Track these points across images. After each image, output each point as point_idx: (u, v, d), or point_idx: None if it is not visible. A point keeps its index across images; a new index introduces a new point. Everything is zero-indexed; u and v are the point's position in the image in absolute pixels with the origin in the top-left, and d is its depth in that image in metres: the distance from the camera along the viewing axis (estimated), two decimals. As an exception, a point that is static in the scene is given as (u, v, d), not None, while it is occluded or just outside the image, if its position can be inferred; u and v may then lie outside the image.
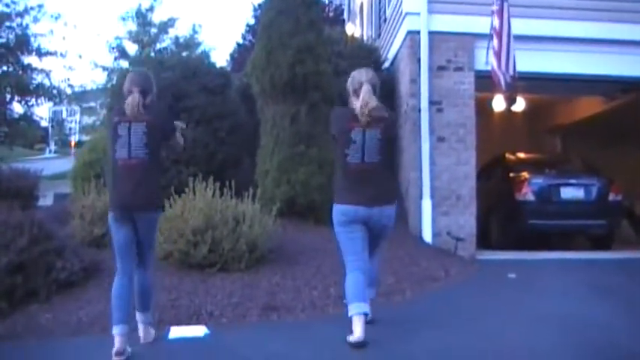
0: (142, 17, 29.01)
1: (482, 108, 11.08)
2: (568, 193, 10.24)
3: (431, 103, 9.32)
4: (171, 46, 28.37)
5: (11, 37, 19.09)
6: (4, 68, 19.26)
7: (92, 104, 28.79)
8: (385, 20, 12.51)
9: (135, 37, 28.68)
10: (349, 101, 4.98)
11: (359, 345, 4.57)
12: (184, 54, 22.24)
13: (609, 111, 12.85)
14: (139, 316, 4.94)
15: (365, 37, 14.81)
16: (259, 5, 20.81)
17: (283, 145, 8.75)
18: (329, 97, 8.94)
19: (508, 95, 13.06)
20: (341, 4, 23.57)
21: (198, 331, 5.34)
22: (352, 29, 17.54)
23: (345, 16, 22.21)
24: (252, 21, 24.29)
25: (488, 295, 6.83)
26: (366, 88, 4.79)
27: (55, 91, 20.05)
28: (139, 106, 4.72)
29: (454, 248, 8.84)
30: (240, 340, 5.18)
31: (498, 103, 13.86)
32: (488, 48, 8.78)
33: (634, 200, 12.36)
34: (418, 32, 9.41)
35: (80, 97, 23.42)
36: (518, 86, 10.35)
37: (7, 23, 18.96)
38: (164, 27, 29.32)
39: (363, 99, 4.76)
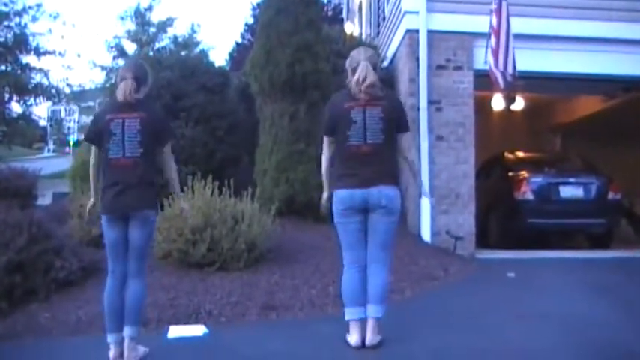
0: (140, 16, 29.07)
1: (482, 107, 11.08)
2: (567, 192, 10.24)
3: (430, 102, 9.32)
4: (169, 46, 28.43)
5: (10, 36, 19.13)
6: (3, 67, 19.30)
7: (91, 103, 28.86)
8: (384, 19, 12.50)
9: (133, 37, 28.74)
10: (347, 82, 4.80)
11: (358, 348, 4.58)
12: (183, 53, 22.24)
13: (609, 110, 12.85)
14: (125, 329, 4.51)
15: (364, 36, 14.78)
16: (258, 4, 20.80)
17: (282, 144, 8.75)
18: (328, 96, 8.88)
19: (507, 94, 13.08)
20: (340, 3, 23.59)
21: (197, 330, 5.33)
22: (351, 28, 17.53)
23: (344, 14, 22.20)
24: (250, 20, 24.31)
25: (487, 293, 6.82)
26: (363, 65, 4.64)
27: (53, 91, 20.10)
28: (131, 92, 4.51)
29: (453, 247, 8.84)
30: (239, 339, 5.18)
31: (497, 102, 13.87)
32: (486, 47, 8.78)
33: (633, 199, 12.37)
34: (417, 31, 9.41)
35: (79, 96, 23.47)
36: (517, 85, 10.36)
37: (6, 22, 19.00)
38: (163, 26, 29.39)
39: (359, 74, 4.61)
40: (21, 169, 10.19)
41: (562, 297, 6.58)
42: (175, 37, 29.47)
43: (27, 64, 19.44)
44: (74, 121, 40.29)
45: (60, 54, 19.96)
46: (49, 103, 22.17)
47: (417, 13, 9.41)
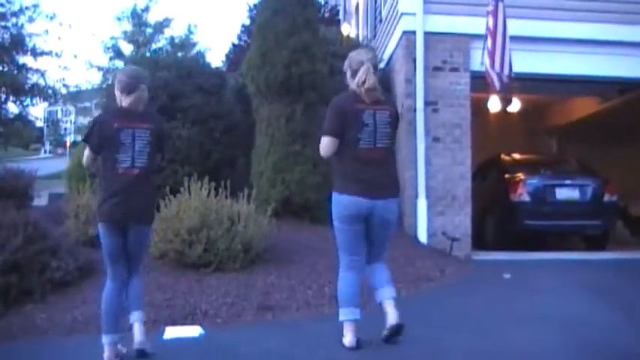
0: (137, 17, 29.02)
1: (478, 108, 11.10)
2: (563, 193, 10.26)
3: (426, 103, 9.33)
4: (166, 47, 28.38)
5: (6, 36, 19.07)
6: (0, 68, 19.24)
7: (87, 104, 28.82)
8: (381, 21, 12.52)
9: (130, 37, 28.70)
10: (348, 84, 4.77)
11: (353, 349, 4.59)
12: (180, 54, 22.21)
13: (605, 112, 12.88)
14: (136, 315, 4.64)
15: (360, 38, 14.80)
16: (255, 5, 20.78)
17: (278, 145, 8.75)
18: (324, 97, 8.93)
19: (503, 96, 13.08)
20: (337, 5, 23.58)
21: (193, 331, 5.33)
22: (348, 29, 17.53)
23: (341, 16, 22.22)
24: (247, 21, 24.26)
25: (483, 295, 6.83)
26: (365, 67, 4.59)
27: (50, 91, 20.03)
28: (146, 105, 4.62)
29: (449, 248, 8.85)
30: (235, 340, 5.17)
31: (494, 104, 13.88)
32: (483, 48, 8.80)
33: (629, 201, 12.39)
34: (414, 32, 9.43)
35: (75, 97, 23.40)
36: (513, 87, 10.38)
37: (2, 23, 18.95)
38: (159, 27, 29.34)
39: (360, 77, 4.58)
40: (17, 170, 10.16)
41: (558, 298, 6.59)
42: (172, 38, 29.42)
43: (23, 65, 19.38)
44: (71, 122, 40.22)
45: (56, 55, 19.89)
46: (46, 103, 22.12)
47: (414, 14, 9.42)
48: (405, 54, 9.57)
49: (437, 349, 4.80)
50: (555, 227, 10.41)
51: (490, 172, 11.57)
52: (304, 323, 5.64)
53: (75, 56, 45.10)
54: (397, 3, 10.01)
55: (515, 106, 14.39)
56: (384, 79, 10.48)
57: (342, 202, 4.63)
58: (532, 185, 10.27)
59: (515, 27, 8.77)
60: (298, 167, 8.66)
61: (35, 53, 19.38)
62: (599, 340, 5.00)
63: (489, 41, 8.59)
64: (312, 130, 8.60)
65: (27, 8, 19.38)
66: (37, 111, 31.46)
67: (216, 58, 51.09)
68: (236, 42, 25.28)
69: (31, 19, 19.44)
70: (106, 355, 4.52)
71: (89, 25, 75.96)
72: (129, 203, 4.49)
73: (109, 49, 28.56)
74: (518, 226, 10.19)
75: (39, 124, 26.79)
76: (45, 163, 25.89)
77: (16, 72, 19.26)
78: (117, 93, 4.67)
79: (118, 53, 28.29)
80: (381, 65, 11.17)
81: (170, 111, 9.08)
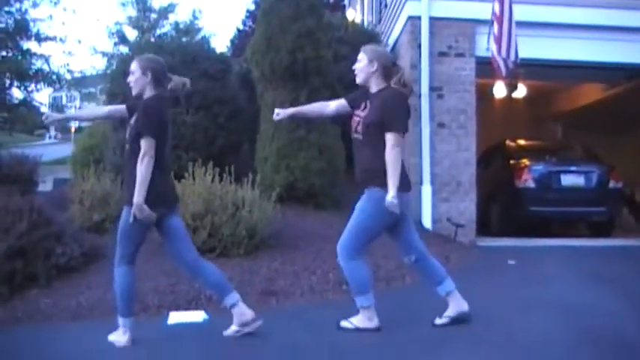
0: (141, 3, 28.99)
1: (483, 94, 11.06)
2: (568, 180, 10.24)
3: (431, 89, 9.30)
4: (171, 32, 28.34)
5: (10, 22, 19.01)
6: (3, 53, 19.20)
7: (92, 90, 28.76)
8: (386, 6, 12.46)
9: (135, 23, 28.67)
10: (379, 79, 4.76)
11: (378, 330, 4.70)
12: (184, 40, 22.15)
13: (611, 98, 12.82)
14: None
15: (365, 23, 14.75)
16: (260, -9, 20.71)
17: (283, 131, 8.73)
18: (329, 83, 8.93)
19: (509, 82, 13.04)
20: (342, -10, 23.49)
21: (197, 316, 5.33)
22: (353, 15, 17.46)
23: (346, 1, 22.13)
24: (252, 7, 24.26)
25: (487, 281, 6.82)
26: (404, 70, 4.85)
27: (54, 77, 19.98)
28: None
29: (454, 234, 8.85)
30: (239, 326, 5.17)
31: (499, 90, 13.83)
32: (489, 34, 8.75)
33: (634, 188, 12.37)
34: (419, 18, 9.37)
35: (80, 82, 23.34)
36: (519, 73, 10.33)
37: (6, 8, 18.88)
38: (164, 12, 29.31)
39: (406, 79, 4.80)
40: (22, 155, 10.18)
41: (563, 285, 6.58)
42: (177, 24, 29.39)
43: (27, 50, 19.32)
44: (75, 108, 40.19)
45: (61, 40, 19.84)
46: (50, 89, 22.08)
47: (419, -1, 9.38)
48: (410, 39, 9.52)
49: (438, 336, 4.79)
50: (560, 214, 10.41)
51: (495, 159, 11.55)
52: (308, 309, 5.64)
53: (79, 42, 45.06)
54: (402, -12, 9.97)
55: (521, 92, 14.32)
56: (389, 64, 10.44)
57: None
58: (537, 172, 10.25)
59: (521, 12, 8.73)
60: (303, 153, 8.64)
61: (39, 38, 19.33)
62: (602, 328, 4.99)
63: (495, 27, 8.55)
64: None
65: (31, -7, 19.31)
66: (42, 97, 31.47)
67: (220, 44, 50.93)
68: (241, 27, 25.31)
69: (34, 4, 19.38)
70: (126, 338, 4.54)
71: (93, 11, 75.64)
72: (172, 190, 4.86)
73: (113, 34, 28.58)
74: (523, 213, 10.17)
75: (43, 109, 26.73)
76: (50, 149, 25.94)
77: (20, 57, 19.21)
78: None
79: (122, 39, 28.29)
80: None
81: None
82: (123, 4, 29.35)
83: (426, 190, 9.07)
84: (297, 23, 8.80)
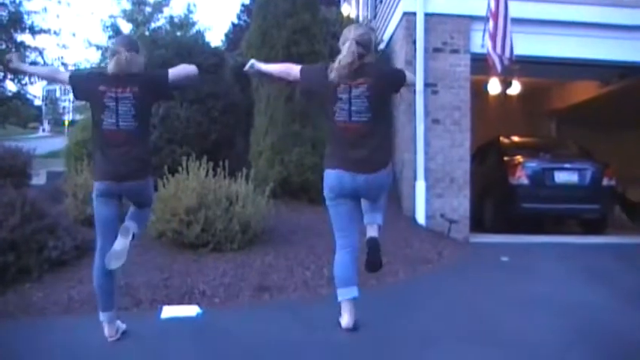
0: (136, -4, 28.83)
1: (478, 91, 11.08)
2: (562, 177, 10.26)
3: (426, 85, 9.30)
4: (165, 26, 28.23)
5: (4, 14, 18.97)
6: (-3, 46, 19.16)
7: (86, 83, 28.73)
8: (381, 1, 12.45)
9: (129, 16, 28.52)
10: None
11: (349, 330, 4.58)
12: (179, 33, 22.12)
13: (605, 96, 12.85)
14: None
15: (361, 18, 14.73)
16: (255, -15, 20.67)
17: (277, 125, 8.72)
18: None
19: (504, 78, 13.06)
20: (337, -15, 23.44)
21: (191, 310, 5.33)
22: (348, 10, 17.46)
23: (341, -3, 22.10)
24: (247, 1, 24.24)
25: (480, 277, 6.85)
26: (347, 45, 4.54)
27: (48, 70, 19.93)
28: (127, 62, 4.39)
29: (447, 230, 8.86)
30: (232, 320, 5.18)
31: (494, 86, 13.85)
32: (484, 30, 8.75)
33: (627, 185, 12.40)
34: (414, 14, 9.37)
35: (74, 75, 23.27)
36: (514, 69, 10.34)
37: (0, 0, 18.83)
38: (159, 6, 29.15)
39: (341, 54, 4.56)
40: (15, 148, 10.13)
41: (555, 281, 6.61)
42: (171, 17, 29.26)
43: (22, 43, 19.30)
44: (69, 101, 40.13)
45: (55, 33, 19.83)
46: (44, 82, 22.07)
47: (415, -5, 9.36)
48: (405, 35, 9.52)
49: (433, 330, 4.80)
50: (553, 211, 10.42)
51: (489, 155, 11.57)
52: (302, 304, 5.64)
53: (73, 35, 45.06)
54: (398, -17, 9.96)
55: (516, 88, 14.35)
56: (384, 60, 10.45)
57: (326, 180, 4.65)
58: (531, 168, 10.27)
59: (516, 9, 8.73)
60: (297, 148, 8.63)
61: (34, 31, 19.31)
62: (594, 324, 5.01)
63: (491, 23, 8.55)
64: (311, 111, 8.58)
65: (25, -14, 19.27)
66: (36, 89, 31.37)
67: (215, 38, 50.89)
68: (236, 22, 25.24)
69: (29, -3, 19.36)
70: (106, 332, 4.54)
71: (88, 4, 75.44)
72: (119, 162, 4.44)
73: (107, 27, 28.40)
74: (516, 209, 10.19)
75: (37, 102, 26.74)
76: (43, 142, 25.86)
77: (14, 50, 19.16)
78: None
79: (116, 32, 28.11)
80: (382, 46, 11.13)
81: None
82: (118, -2, 29.24)
83: (420, 186, 9.07)
84: (293, 18, 8.79)
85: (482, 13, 8.71)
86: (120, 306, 4.67)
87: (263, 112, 8.98)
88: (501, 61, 8.62)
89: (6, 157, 9.59)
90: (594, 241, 9.57)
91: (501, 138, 11.69)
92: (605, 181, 10.34)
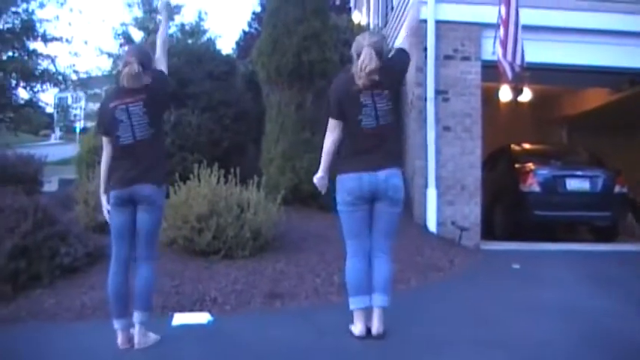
0: (147, 4, 29.00)
1: (489, 98, 11.04)
2: (573, 184, 10.21)
3: (437, 92, 9.28)
4: (176, 33, 28.36)
5: (17, 22, 19.10)
6: (10, 53, 19.28)
7: (97, 91, 28.83)
8: (392, 9, 12.45)
9: (140, 24, 28.71)
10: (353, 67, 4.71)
11: (362, 338, 4.58)
12: (190, 41, 22.19)
13: (616, 103, 12.79)
14: (136, 315, 4.55)
15: (371, 26, 14.75)
16: (266, -7, 20.73)
17: (288, 133, 8.74)
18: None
19: (514, 85, 13.02)
20: (348, -7, 23.50)
21: (202, 318, 5.33)
22: (358, 17, 17.47)
23: (352, 4, 22.14)
24: (258, 8, 24.31)
25: (491, 285, 6.81)
26: (366, 51, 4.55)
27: (60, 77, 20.06)
28: (139, 75, 4.42)
29: (458, 238, 8.83)
30: (243, 327, 5.18)
31: (505, 94, 13.80)
32: (495, 37, 8.73)
33: (637, 192, 12.33)
34: (425, 21, 9.36)
35: (85, 83, 23.42)
36: (525, 76, 10.31)
37: (13, 8, 18.95)
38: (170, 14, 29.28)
39: (362, 61, 4.53)
40: (27, 156, 10.20)
41: (567, 289, 6.57)
42: (182, 25, 29.42)
43: (34, 51, 19.42)
44: (80, 108, 40.26)
45: (67, 41, 19.93)
46: (56, 89, 22.16)
47: (426, 2, 9.35)
48: (415, 42, 9.52)
49: (445, 338, 4.79)
50: (565, 218, 10.38)
51: (500, 162, 11.53)
52: (313, 311, 5.63)
53: (85, 42, 45.42)
54: (409, -9, 9.96)
55: (526, 96, 14.29)
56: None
57: (344, 184, 4.68)
58: (542, 175, 10.22)
59: (527, 16, 8.70)
60: (308, 155, 8.63)
61: (45, 39, 19.42)
62: (606, 331, 4.98)
63: (501, 30, 8.53)
64: (322, 118, 8.57)
65: (38, -6, 19.38)
66: (48, 97, 31.50)
67: (226, 45, 50.97)
68: (246, 29, 25.31)
69: (41, 5, 19.49)
70: (119, 340, 4.55)
71: (100, 11, 75.84)
72: (132, 169, 4.50)
73: (119, 35, 28.61)
74: (527, 217, 10.14)
75: (49, 110, 26.82)
76: (55, 149, 25.96)
77: (26, 58, 19.30)
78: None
79: (128, 40, 28.29)
80: (392, 54, 11.11)
81: (180, 97, 9.08)
82: (129, 5, 29.43)
83: (431, 194, 9.05)
84: (303, 25, 8.82)
85: (493, 20, 8.69)
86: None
87: (274, 120, 9.00)
88: (512, 68, 8.60)
89: (18, 164, 9.66)
90: (606, 248, 9.52)
91: (512, 145, 11.66)
92: (616, 189, 10.28)
